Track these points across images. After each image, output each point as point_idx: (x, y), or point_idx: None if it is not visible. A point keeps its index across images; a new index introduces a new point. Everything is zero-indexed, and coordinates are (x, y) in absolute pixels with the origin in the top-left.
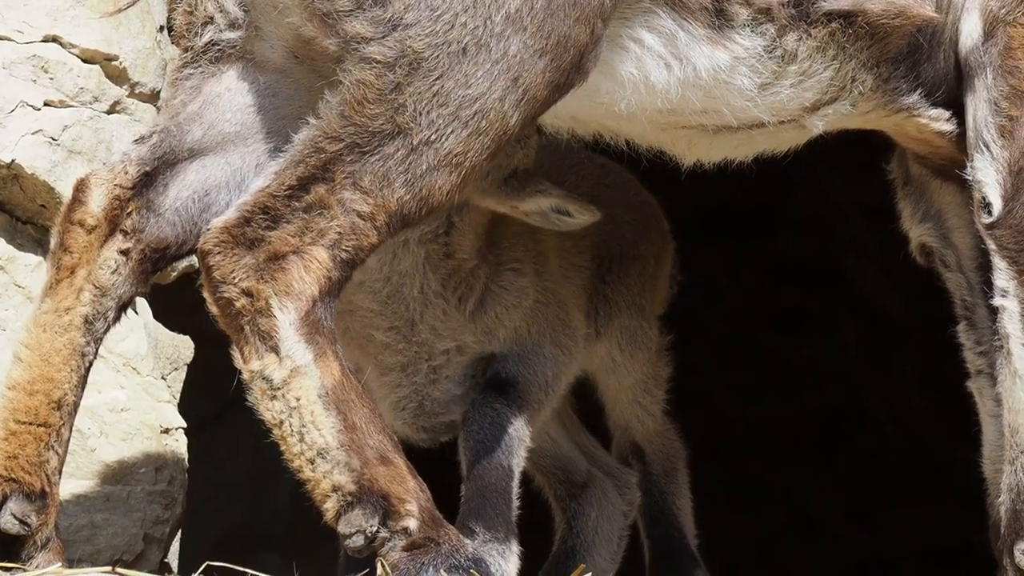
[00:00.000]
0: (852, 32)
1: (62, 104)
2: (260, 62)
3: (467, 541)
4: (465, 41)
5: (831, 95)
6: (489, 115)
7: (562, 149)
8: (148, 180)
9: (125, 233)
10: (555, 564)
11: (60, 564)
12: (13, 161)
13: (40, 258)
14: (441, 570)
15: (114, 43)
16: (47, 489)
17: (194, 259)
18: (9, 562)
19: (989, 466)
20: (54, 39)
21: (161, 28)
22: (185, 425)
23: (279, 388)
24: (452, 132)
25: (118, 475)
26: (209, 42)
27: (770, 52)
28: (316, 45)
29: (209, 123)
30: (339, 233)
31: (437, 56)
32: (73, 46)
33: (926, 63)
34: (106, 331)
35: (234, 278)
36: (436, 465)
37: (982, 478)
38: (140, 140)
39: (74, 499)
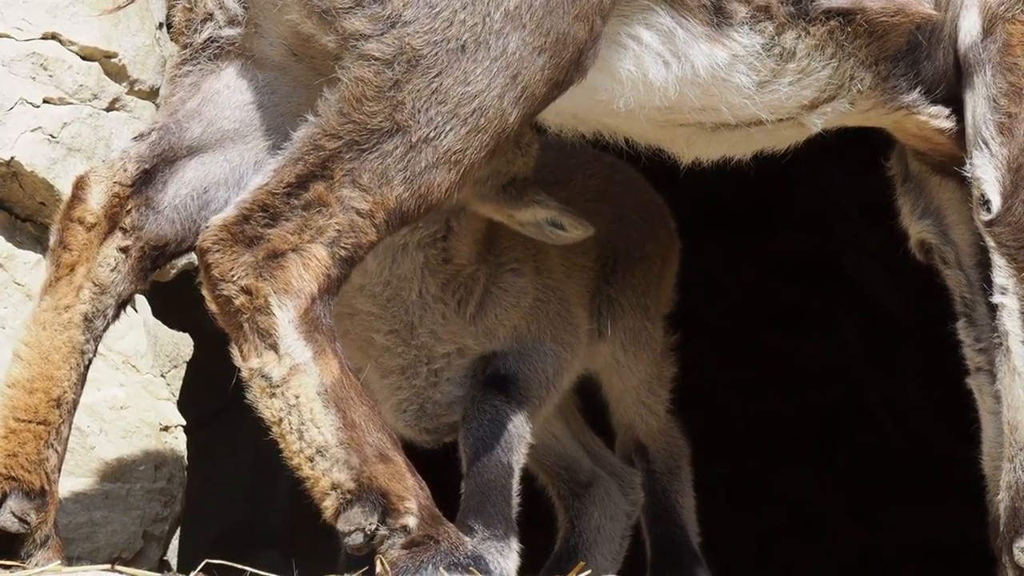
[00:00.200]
0: (851, 30)
1: (61, 101)
2: (259, 59)
3: (466, 539)
4: (464, 38)
5: (830, 93)
6: (488, 112)
7: (569, 147)
8: (147, 177)
9: (124, 230)
10: (557, 563)
11: (59, 562)
12: (12, 158)
13: (39, 256)
14: (440, 568)
15: (113, 40)
16: (46, 487)
17: (193, 257)
18: (8, 560)
19: (989, 463)
20: (53, 36)
21: (160, 25)
22: (184, 423)
23: (278, 386)
24: (451, 129)
25: (117, 473)
26: (208, 39)
27: (769, 50)
28: (315, 42)
29: (208, 120)
30: (338, 231)
31: (436, 53)
32: (72, 43)
33: (925, 61)
34: (105, 329)
35: (233, 276)
36: (435, 462)
37: (982, 475)
38: (139, 137)
39: (73, 497)
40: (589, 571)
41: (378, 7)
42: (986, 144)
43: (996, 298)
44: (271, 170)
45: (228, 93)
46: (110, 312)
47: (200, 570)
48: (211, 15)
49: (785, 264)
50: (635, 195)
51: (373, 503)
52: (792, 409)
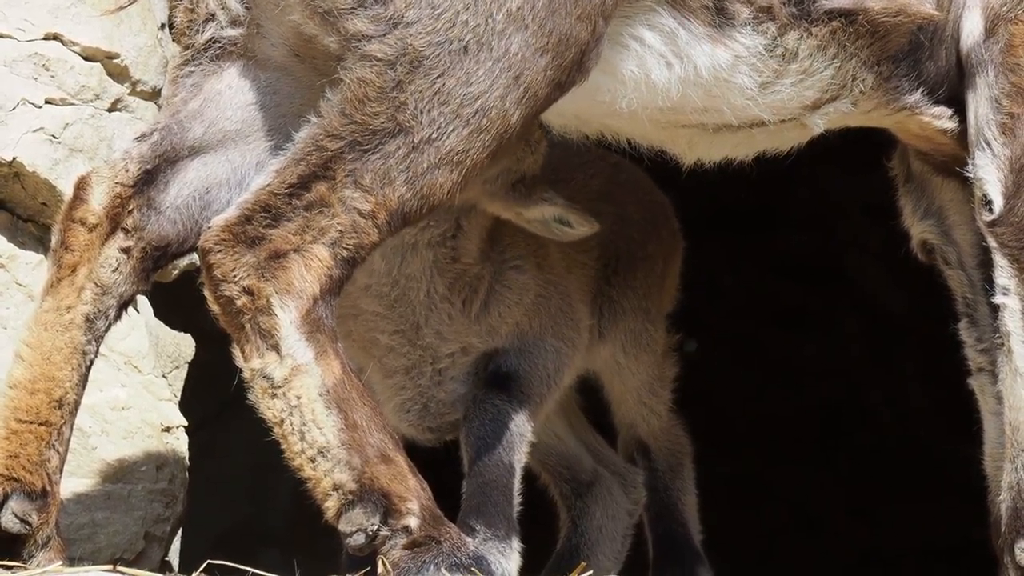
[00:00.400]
0: (853, 30)
1: (63, 102)
2: (261, 60)
3: (468, 539)
4: (466, 39)
5: (832, 93)
6: (490, 113)
7: (573, 147)
8: (149, 178)
9: (126, 231)
10: (559, 562)
11: (61, 563)
12: (14, 159)
13: (41, 256)
14: (442, 568)
15: (115, 41)
16: (48, 488)
17: (195, 257)
18: (10, 561)
19: (990, 463)
20: (55, 37)
21: (162, 26)
22: (186, 423)
23: (280, 386)
24: (453, 130)
25: (119, 473)
26: (210, 39)
27: (771, 51)
28: (317, 43)
29: (210, 121)
30: (340, 231)
31: (438, 54)
32: (74, 44)
33: (927, 61)
34: (107, 329)
35: (235, 276)
36: (436, 461)
37: (982, 475)
38: (141, 138)
39: (75, 497)
40: (591, 571)
41: (380, 8)
42: (988, 144)
43: (998, 299)
44: (273, 170)
45: (230, 94)
46: (112, 313)
47: (202, 570)
48: (213, 15)
49: (786, 264)
50: (638, 195)
51: (375, 504)
52: (793, 409)
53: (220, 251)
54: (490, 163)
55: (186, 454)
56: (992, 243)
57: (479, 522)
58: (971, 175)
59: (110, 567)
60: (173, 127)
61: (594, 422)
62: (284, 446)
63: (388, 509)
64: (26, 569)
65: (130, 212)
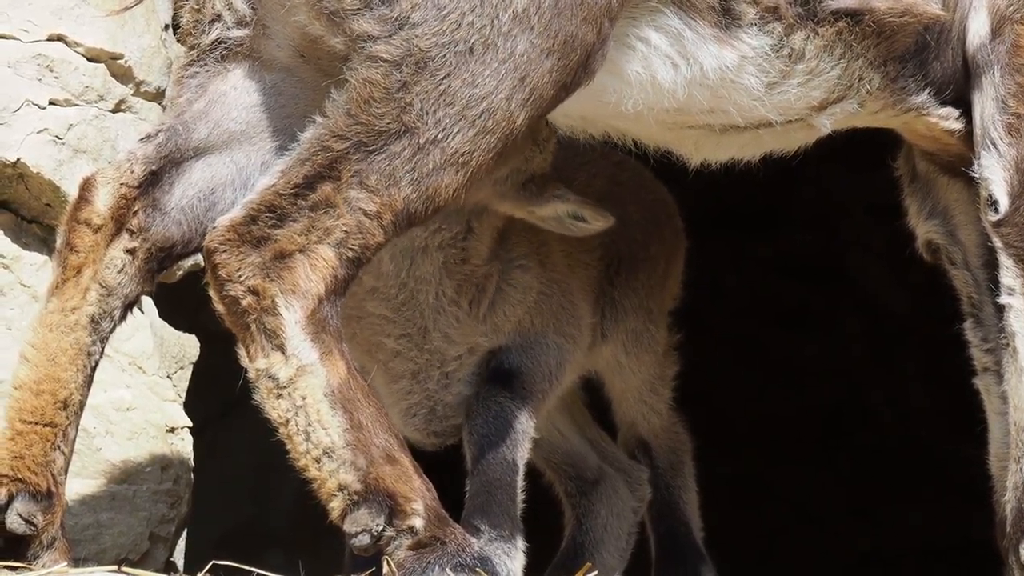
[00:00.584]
0: (859, 31)
1: (67, 103)
2: (266, 61)
3: (473, 540)
4: (472, 40)
5: (838, 94)
6: (496, 114)
7: (575, 147)
8: (154, 179)
9: (131, 232)
10: (563, 560)
11: (66, 563)
12: (18, 160)
13: (45, 257)
14: (447, 569)
15: (119, 42)
16: (53, 489)
17: (199, 258)
18: (15, 562)
19: (995, 463)
20: (59, 38)
21: (166, 27)
22: (191, 424)
23: (285, 387)
24: (459, 131)
25: (124, 474)
26: (216, 40)
27: (777, 51)
28: (323, 44)
29: (215, 122)
30: (345, 232)
31: (444, 55)
32: (78, 45)
33: (934, 62)
34: (112, 330)
35: (240, 276)
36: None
37: (985, 475)
38: (146, 139)
39: (80, 498)
40: (596, 572)
41: (386, 9)
42: (994, 145)
43: (1003, 299)
44: (278, 171)
45: (235, 94)
46: (117, 314)
47: (207, 571)
48: (219, 16)
49: (789, 264)
50: (641, 195)
51: (380, 504)
52: (794, 409)
53: (225, 251)
54: (498, 164)
55: (191, 455)
56: (997, 243)
57: (483, 522)
58: (977, 175)
59: (115, 568)
60: (178, 128)
61: (596, 419)
62: (289, 446)
63: (393, 510)
64: (31, 570)
65: (135, 213)
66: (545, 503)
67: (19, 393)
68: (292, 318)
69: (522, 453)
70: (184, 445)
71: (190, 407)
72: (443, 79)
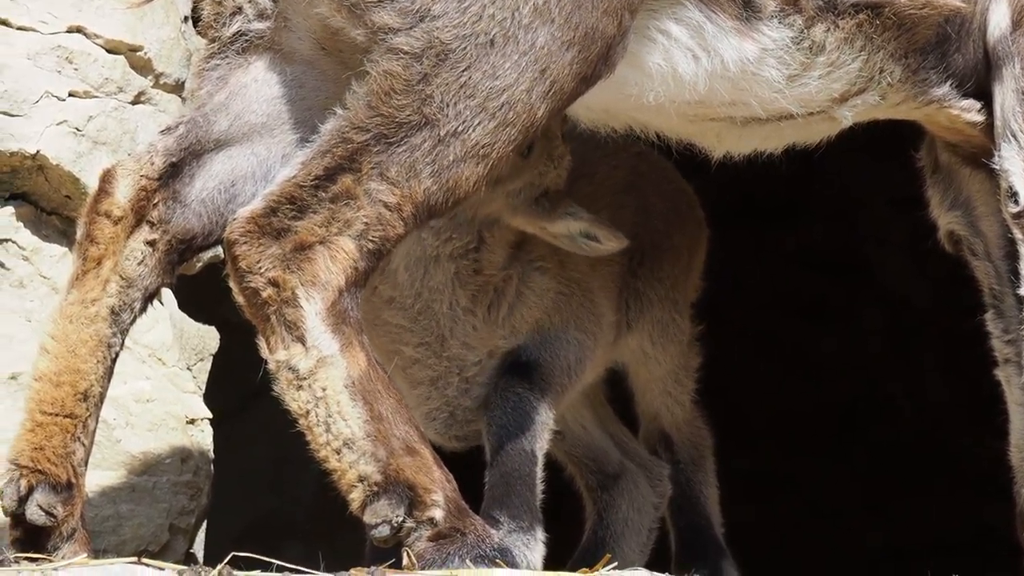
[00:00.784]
0: (879, 23)
1: (87, 95)
2: (287, 53)
3: (493, 531)
4: (493, 33)
5: (859, 86)
6: (516, 107)
7: (596, 139)
8: (174, 171)
9: (151, 224)
10: (584, 554)
11: (86, 555)
12: (38, 152)
13: (65, 249)
14: (467, 560)
15: (138, 33)
16: (73, 480)
17: (219, 249)
18: (35, 553)
19: (1016, 454)
20: (78, 30)
21: (185, 19)
22: (211, 415)
23: (305, 378)
24: (479, 123)
25: (144, 466)
26: (237, 32)
27: (798, 43)
28: (343, 36)
29: (236, 114)
30: (365, 223)
31: (464, 47)
32: (97, 36)
33: (955, 54)
34: (132, 322)
35: (260, 268)
36: (458, 456)
37: (999, 470)
38: (166, 131)
39: (100, 490)
40: (616, 563)
41: (407, 1)
42: (1014, 136)
43: (1023, 290)
44: (299, 163)
45: (256, 87)
46: (137, 305)
47: (227, 562)
48: (240, 8)
49: (810, 257)
50: (662, 185)
51: (400, 495)
52: (810, 403)
53: (246, 243)
54: (513, 176)
55: (211, 446)
56: (1018, 235)
57: (503, 513)
58: (997, 167)
59: (135, 559)
60: (198, 120)
61: (617, 414)
62: (309, 438)
63: (413, 501)
64: (51, 561)
65: (155, 205)
66: (568, 496)
67: (39, 384)
68: (312, 309)
69: (541, 444)
70: (204, 437)
71: (210, 399)
72: (464, 71)
